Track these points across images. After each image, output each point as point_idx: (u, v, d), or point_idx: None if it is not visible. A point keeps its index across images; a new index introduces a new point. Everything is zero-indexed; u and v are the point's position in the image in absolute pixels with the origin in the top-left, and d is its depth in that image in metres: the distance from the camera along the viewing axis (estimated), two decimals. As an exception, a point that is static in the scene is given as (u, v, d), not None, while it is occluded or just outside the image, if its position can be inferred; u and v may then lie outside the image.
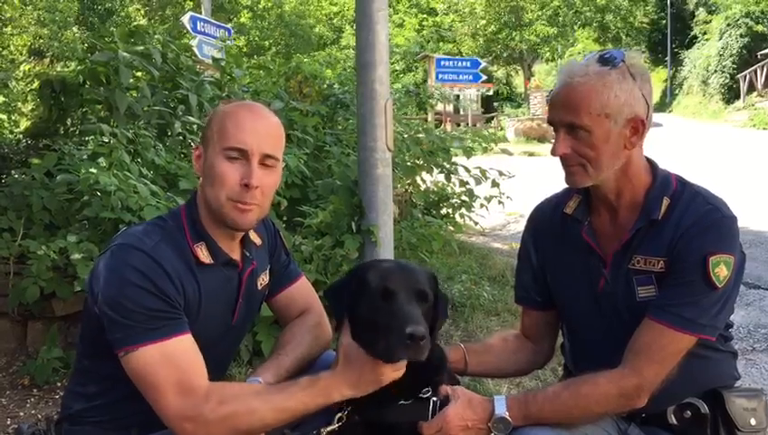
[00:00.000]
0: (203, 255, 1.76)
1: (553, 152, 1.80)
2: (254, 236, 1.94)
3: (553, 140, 1.80)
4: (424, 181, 5.68)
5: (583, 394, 1.73)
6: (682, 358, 1.72)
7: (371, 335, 1.63)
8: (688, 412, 1.80)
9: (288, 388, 1.69)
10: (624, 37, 39.13)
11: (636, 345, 1.73)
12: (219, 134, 1.74)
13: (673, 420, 1.80)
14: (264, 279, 1.97)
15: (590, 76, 1.71)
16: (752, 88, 26.32)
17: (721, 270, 1.68)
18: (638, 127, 1.75)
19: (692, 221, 1.72)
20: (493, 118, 28.18)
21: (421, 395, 1.74)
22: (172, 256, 1.70)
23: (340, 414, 1.71)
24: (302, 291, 2.09)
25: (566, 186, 1.95)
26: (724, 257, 1.68)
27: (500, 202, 5.70)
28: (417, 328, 1.54)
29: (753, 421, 1.79)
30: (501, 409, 1.72)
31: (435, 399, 1.74)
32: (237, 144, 1.71)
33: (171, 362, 1.62)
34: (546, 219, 2.03)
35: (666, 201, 1.77)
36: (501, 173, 5.72)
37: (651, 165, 1.86)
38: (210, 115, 1.84)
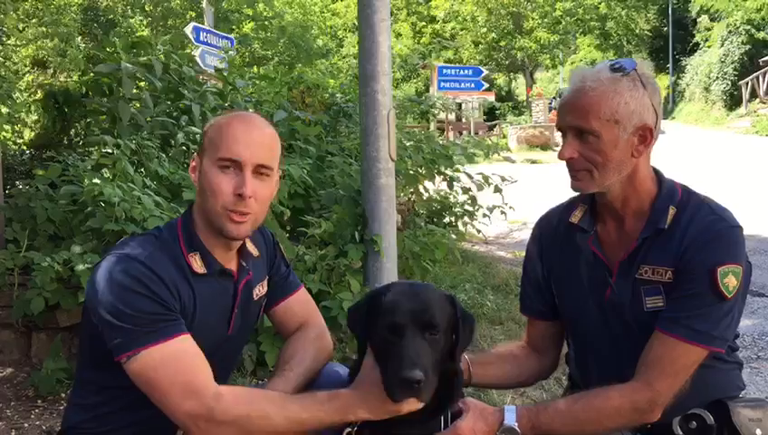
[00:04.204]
0: (197, 264, 1.78)
1: (560, 156, 1.80)
2: (251, 248, 1.95)
3: (558, 147, 1.81)
4: (426, 190, 5.69)
5: (596, 408, 1.73)
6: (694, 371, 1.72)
7: (382, 367, 1.63)
8: (694, 423, 1.79)
9: (305, 400, 1.70)
10: (626, 44, 39.21)
11: (648, 359, 1.72)
12: (213, 145, 1.77)
13: (678, 431, 1.80)
14: (260, 289, 1.98)
15: (601, 82, 1.73)
16: (754, 95, 26.30)
17: (730, 280, 1.68)
18: (647, 135, 1.76)
19: (698, 231, 1.72)
20: (495, 126, 28.19)
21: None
22: (167, 265, 1.72)
23: (349, 430, 1.70)
24: (302, 303, 2.10)
25: (570, 194, 1.96)
26: (732, 268, 1.68)
27: (503, 212, 5.70)
28: (414, 372, 1.52)
29: (758, 432, 1.78)
30: (510, 419, 1.72)
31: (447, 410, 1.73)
32: (230, 155, 1.74)
33: (174, 362, 1.63)
34: (552, 229, 2.03)
35: (672, 210, 1.77)
36: (503, 178, 5.71)
37: (657, 174, 1.86)
38: (206, 126, 1.87)
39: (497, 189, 5.67)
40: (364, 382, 1.67)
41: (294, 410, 1.66)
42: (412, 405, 1.63)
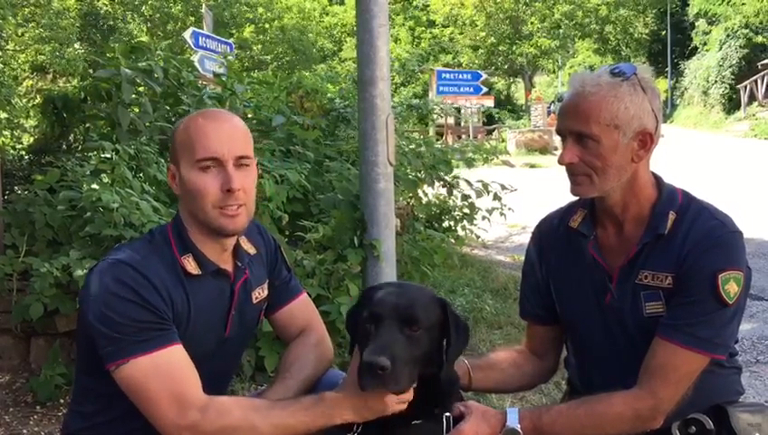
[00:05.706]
0: (190, 266, 1.76)
1: (560, 160, 1.80)
2: (247, 246, 1.93)
3: (557, 150, 1.81)
4: (426, 194, 5.69)
5: (598, 413, 1.73)
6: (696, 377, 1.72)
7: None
8: (693, 428, 1.79)
9: (290, 406, 1.69)
10: (624, 48, 39.28)
11: (650, 366, 1.72)
12: (187, 149, 1.75)
13: (678, 435, 1.80)
14: (260, 293, 1.96)
15: (601, 87, 1.73)
16: (752, 98, 26.35)
17: (731, 286, 1.68)
18: (647, 140, 1.76)
19: (699, 237, 1.72)
20: (494, 130, 28.21)
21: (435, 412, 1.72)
22: (160, 269, 1.70)
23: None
24: (303, 308, 2.09)
25: (568, 198, 1.96)
26: (733, 274, 1.68)
27: (501, 214, 5.69)
28: (378, 358, 1.51)
29: (757, 436, 1.78)
30: (513, 421, 1.73)
31: (448, 414, 1.73)
32: (209, 154, 1.72)
33: (163, 373, 1.62)
34: (551, 233, 2.03)
35: (672, 216, 1.77)
36: (503, 187, 5.71)
37: (657, 179, 1.86)
38: (174, 132, 1.84)
39: (496, 197, 5.66)
40: (349, 384, 1.67)
41: (280, 416, 1.66)
42: (396, 405, 1.63)
